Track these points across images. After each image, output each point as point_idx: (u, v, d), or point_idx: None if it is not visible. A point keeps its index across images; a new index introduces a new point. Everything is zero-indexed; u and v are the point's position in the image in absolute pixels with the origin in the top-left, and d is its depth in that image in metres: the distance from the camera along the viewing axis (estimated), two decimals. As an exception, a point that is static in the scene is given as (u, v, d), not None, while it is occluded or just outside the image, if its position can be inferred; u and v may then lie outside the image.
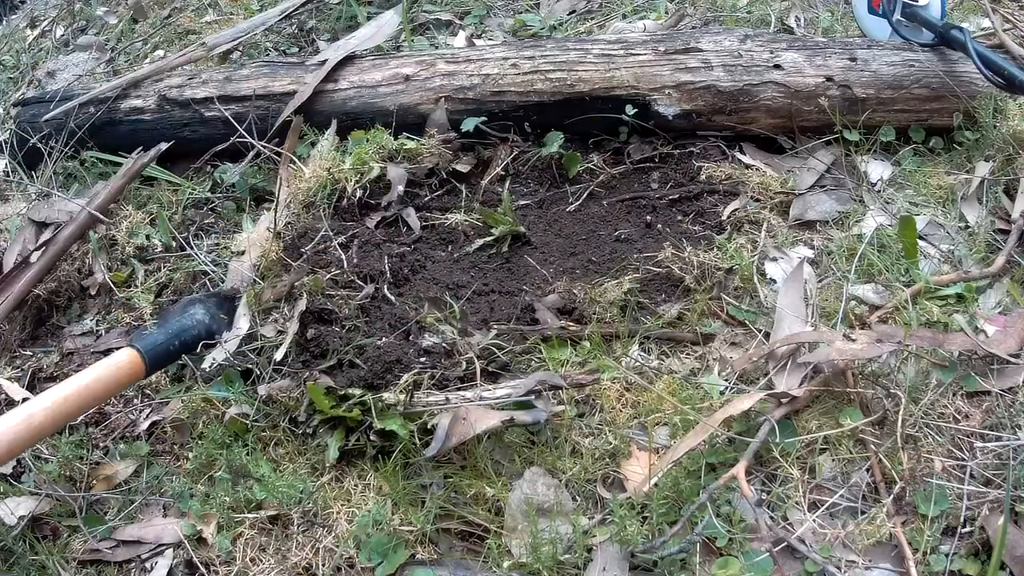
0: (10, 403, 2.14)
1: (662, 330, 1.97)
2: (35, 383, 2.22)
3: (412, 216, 2.34)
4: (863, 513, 1.60)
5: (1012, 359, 1.72)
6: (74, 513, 1.88)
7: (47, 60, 3.60)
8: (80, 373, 1.84)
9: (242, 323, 2.02)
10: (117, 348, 1.99)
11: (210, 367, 1.98)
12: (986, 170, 2.17)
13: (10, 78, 3.54)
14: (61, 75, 3.44)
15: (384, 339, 1.94)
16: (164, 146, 2.60)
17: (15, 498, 1.90)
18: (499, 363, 1.92)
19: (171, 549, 1.80)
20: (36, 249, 2.38)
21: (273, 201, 2.31)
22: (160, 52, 3.43)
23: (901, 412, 1.65)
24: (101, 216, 2.41)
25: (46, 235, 2.43)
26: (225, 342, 2.00)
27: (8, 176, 2.81)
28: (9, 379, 2.20)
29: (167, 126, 2.68)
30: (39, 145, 2.73)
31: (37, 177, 2.75)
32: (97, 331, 2.31)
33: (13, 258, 2.41)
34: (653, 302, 2.04)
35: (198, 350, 2.01)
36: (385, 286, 2.10)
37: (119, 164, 2.63)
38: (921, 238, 2.07)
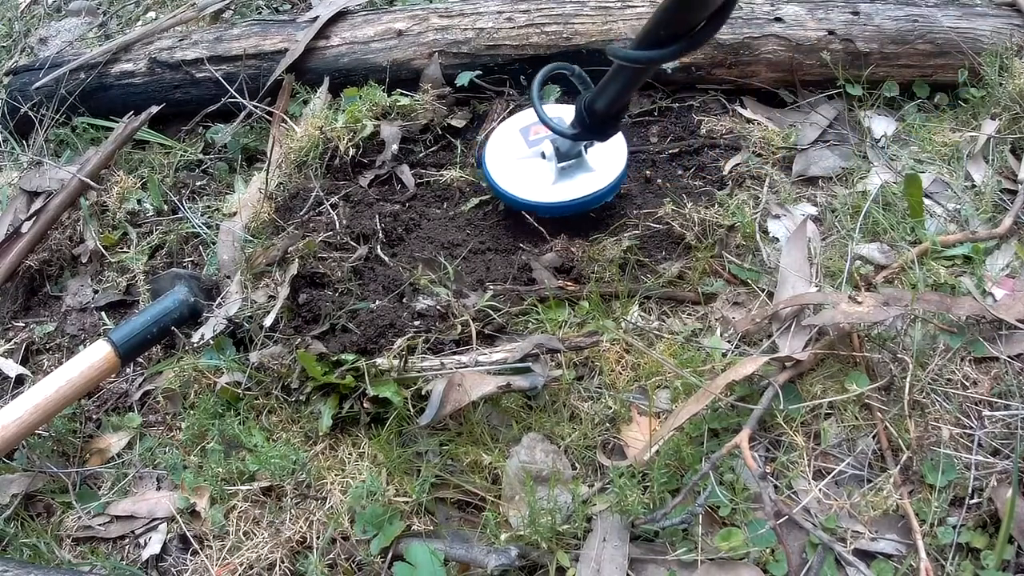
0: (4, 379, 2.13)
1: (663, 289, 1.93)
2: (28, 356, 2.20)
3: (406, 173, 2.30)
4: (869, 482, 1.57)
5: (1021, 324, 1.68)
6: (67, 489, 1.86)
7: (39, 27, 3.54)
8: (52, 376, 1.82)
9: (231, 308, 1.98)
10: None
11: (199, 342, 1.95)
12: (992, 128, 2.13)
13: (2, 46, 3.48)
14: (53, 41, 3.38)
15: (377, 302, 1.90)
16: (155, 109, 2.57)
17: (7, 475, 1.88)
18: (495, 325, 1.89)
19: (165, 524, 1.78)
20: (27, 219, 2.34)
21: (265, 161, 2.27)
22: (152, 14, 3.37)
23: (908, 378, 1.61)
24: (91, 182, 2.37)
25: (37, 204, 2.40)
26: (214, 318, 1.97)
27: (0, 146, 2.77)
28: (3, 353, 2.18)
29: (158, 89, 2.63)
30: (30, 113, 2.70)
31: (29, 145, 2.71)
32: (87, 304, 2.28)
33: (4, 229, 2.38)
34: (653, 260, 1.99)
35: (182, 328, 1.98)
36: (379, 246, 2.07)
37: (111, 129, 2.60)
38: (927, 196, 2.03)
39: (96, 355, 1.85)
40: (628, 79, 1.69)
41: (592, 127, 1.88)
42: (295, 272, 1.93)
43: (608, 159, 2.04)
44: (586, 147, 2.04)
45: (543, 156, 2.07)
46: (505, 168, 2.10)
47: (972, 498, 1.50)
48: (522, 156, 2.11)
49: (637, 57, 1.49)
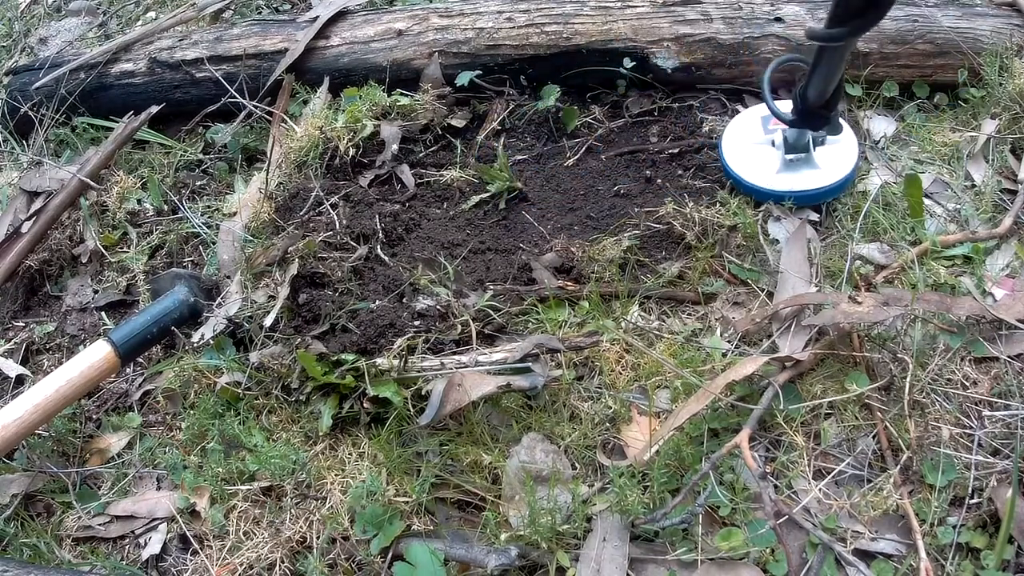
0: (4, 379, 2.13)
1: (663, 289, 1.93)
2: (28, 356, 2.20)
3: (406, 173, 2.30)
4: (869, 482, 1.57)
5: (1020, 324, 1.68)
6: (67, 489, 1.86)
7: (39, 27, 3.54)
8: (52, 375, 1.82)
9: (231, 308, 1.98)
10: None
11: (199, 342, 1.95)
12: (992, 128, 2.12)
13: (2, 46, 3.48)
14: (53, 41, 3.38)
15: (377, 302, 1.90)
16: (155, 109, 2.57)
17: (8, 475, 1.88)
18: (495, 325, 1.89)
19: (165, 523, 1.78)
20: (27, 219, 2.34)
21: (265, 161, 2.27)
22: (152, 14, 3.37)
23: (908, 377, 1.61)
24: (91, 182, 2.37)
25: (37, 204, 2.40)
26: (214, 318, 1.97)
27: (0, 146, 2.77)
28: (3, 353, 2.18)
29: (158, 89, 2.64)
30: (30, 113, 2.70)
31: (29, 145, 2.71)
32: (87, 304, 2.28)
33: (4, 229, 2.38)
34: (653, 260, 1.99)
35: (182, 329, 1.98)
36: (379, 246, 2.07)
37: (111, 129, 2.60)
38: (927, 196, 2.02)
39: (96, 355, 1.85)
40: (826, 61, 1.74)
41: (804, 116, 1.93)
42: (295, 272, 1.93)
43: (837, 160, 2.05)
44: (816, 143, 2.06)
45: (773, 144, 2.10)
46: (738, 150, 2.12)
47: (972, 498, 1.50)
48: (757, 141, 2.13)
49: (825, 34, 1.57)
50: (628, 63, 2.31)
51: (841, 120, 2.07)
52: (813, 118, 1.94)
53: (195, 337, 1.95)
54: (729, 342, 1.81)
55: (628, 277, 1.95)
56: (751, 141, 2.13)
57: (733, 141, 2.15)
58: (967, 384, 1.63)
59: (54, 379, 1.80)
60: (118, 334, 1.89)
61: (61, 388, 1.79)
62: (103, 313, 2.23)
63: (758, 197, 2.07)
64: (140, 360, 2.07)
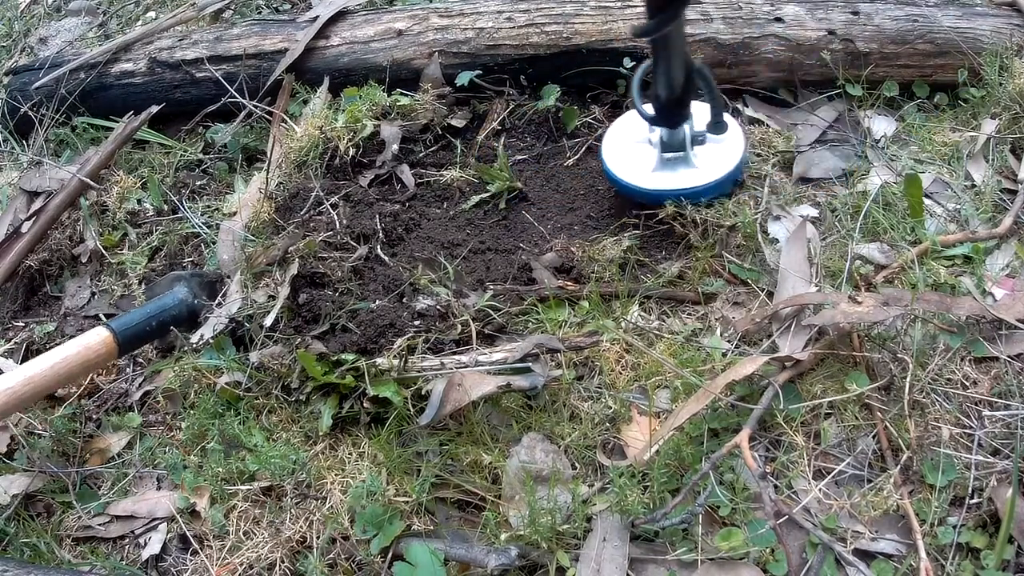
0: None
1: (663, 289, 1.93)
2: (28, 356, 2.20)
3: (406, 173, 2.30)
4: (869, 482, 1.57)
5: (1021, 324, 1.68)
6: (67, 489, 1.86)
7: (39, 27, 3.54)
8: (49, 353, 1.82)
9: (232, 307, 1.98)
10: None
11: (199, 342, 1.95)
12: (992, 128, 2.12)
13: (2, 46, 3.48)
14: (53, 41, 3.38)
15: (377, 302, 1.91)
16: (155, 109, 2.57)
17: (8, 476, 1.88)
18: (495, 325, 1.89)
19: (165, 523, 1.78)
20: (27, 219, 2.35)
21: (265, 161, 2.27)
22: (152, 14, 3.37)
23: (908, 377, 1.61)
24: (91, 182, 2.37)
25: (37, 204, 2.40)
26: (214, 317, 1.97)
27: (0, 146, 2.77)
28: (3, 353, 2.18)
29: (158, 89, 2.63)
30: (30, 113, 2.70)
31: (29, 145, 2.71)
32: (87, 305, 2.28)
33: (4, 229, 2.38)
34: (653, 260, 2.00)
35: (181, 329, 1.98)
36: (379, 246, 2.07)
37: (111, 129, 2.60)
38: (927, 196, 2.02)
39: (94, 338, 1.85)
40: (660, 57, 1.77)
41: (662, 113, 1.95)
42: (295, 272, 1.93)
43: (716, 161, 2.03)
44: (696, 142, 2.05)
45: (651, 143, 2.09)
46: (619, 149, 2.12)
47: (972, 498, 1.50)
48: (637, 140, 2.12)
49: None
50: (628, 63, 2.31)
51: (730, 119, 2.07)
52: (670, 115, 1.94)
53: (195, 337, 1.96)
54: (729, 342, 1.81)
55: (628, 277, 1.95)
56: (632, 140, 2.13)
57: (615, 140, 2.15)
58: (967, 384, 1.63)
59: (50, 356, 1.80)
60: (118, 322, 1.89)
61: (56, 365, 1.79)
62: (102, 315, 2.23)
63: (633, 196, 2.07)
64: (140, 360, 2.08)
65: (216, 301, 2.02)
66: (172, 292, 1.99)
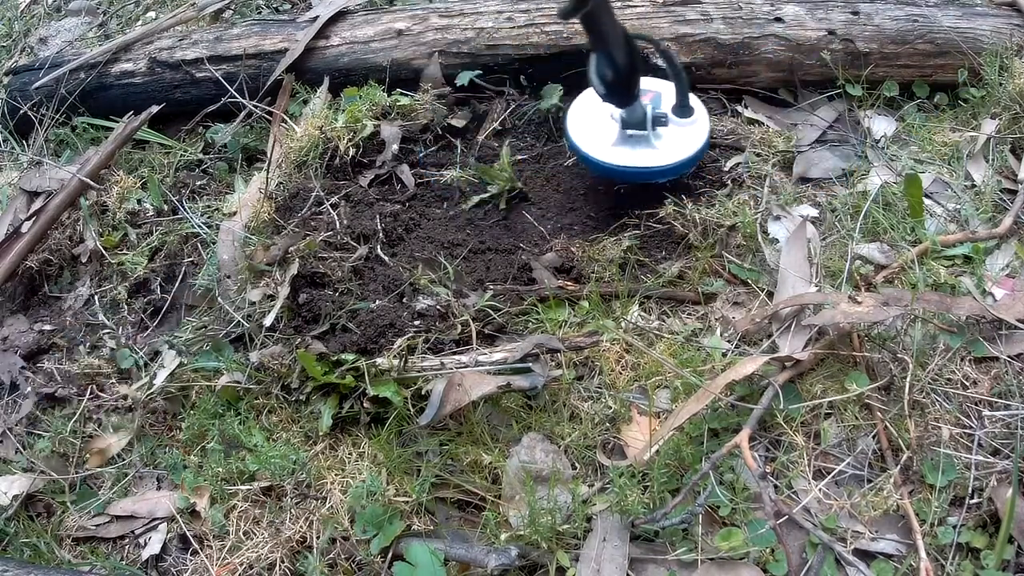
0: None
1: (663, 289, 1.93)
2: (28, 356, 2.19)
3: (406, 173, 2.30)
4: (869, 482, 1.57)
5: (1021, 324, 1.68)
6: (67, 489, 1.86)
7: (39, 27, 3.54)
8: None
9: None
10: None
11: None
12: (992, 128, 2.12)
13: (2, 46, 3.48)
14: (53, 41, 3.38)
15: (377, 302, 1.90)
16: (155, 109, 2.56)
17: (8, 477, 1.88)
18: (495, 325, 1.89)
19: (165, 524, 1.78)
20: (27, 219, 2.34)
21: (265, 161, 2.27)
22: (152, 14, 3.37)
23: (908, 377, 1.61)
24: (91, 182, 2.37)
25: (37, 204, 2.40)
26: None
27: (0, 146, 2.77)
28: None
29: (158, 89, 2.63)
30: (30, 113, 2.69)
31: (29, 145, 2.71)
32: (87, 305, 2.28)
33: (4, 229, 2.38)
34: (653, 260, 1.99)
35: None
36: (379, 246, 2.07)
37: (111, 129, 2.60)
38: (927, 196, 2.02)
39: None
40: (592, 38, 1.75)
41: (610, 91, 1.91)
42: (295, 272, 1.93)
43: (679, 143, 2.03)
44: (658, 122, 2.04)
45: (612, 118, 2.08)
46: (583, 120, 2.12)
47: (972, 498, 1.50)
48: (603, 113, 2.11)
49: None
50: (628, 63, 2.30)
51: (698, 104, 2.07)
52: (617, 94, 1.93)
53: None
54: (729, 342, 1.81)
55: (628, 277, 1.95)
56: (598, 112, 2.12)
57: (581, 110, 2.14)
58: (967, 384, 1.63)
59: None
60: None
61: None
62: (102, 315, 2.23)
63: (589, 167, 2.10)
64: (140, 360, 2.07)
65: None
66: None
